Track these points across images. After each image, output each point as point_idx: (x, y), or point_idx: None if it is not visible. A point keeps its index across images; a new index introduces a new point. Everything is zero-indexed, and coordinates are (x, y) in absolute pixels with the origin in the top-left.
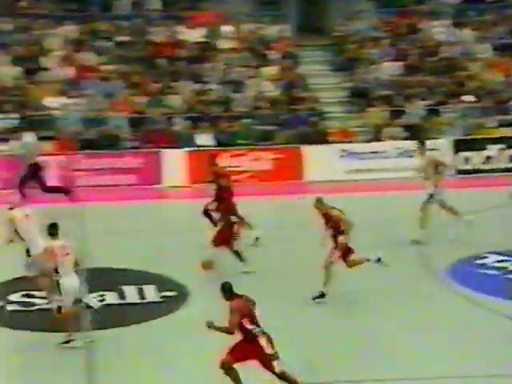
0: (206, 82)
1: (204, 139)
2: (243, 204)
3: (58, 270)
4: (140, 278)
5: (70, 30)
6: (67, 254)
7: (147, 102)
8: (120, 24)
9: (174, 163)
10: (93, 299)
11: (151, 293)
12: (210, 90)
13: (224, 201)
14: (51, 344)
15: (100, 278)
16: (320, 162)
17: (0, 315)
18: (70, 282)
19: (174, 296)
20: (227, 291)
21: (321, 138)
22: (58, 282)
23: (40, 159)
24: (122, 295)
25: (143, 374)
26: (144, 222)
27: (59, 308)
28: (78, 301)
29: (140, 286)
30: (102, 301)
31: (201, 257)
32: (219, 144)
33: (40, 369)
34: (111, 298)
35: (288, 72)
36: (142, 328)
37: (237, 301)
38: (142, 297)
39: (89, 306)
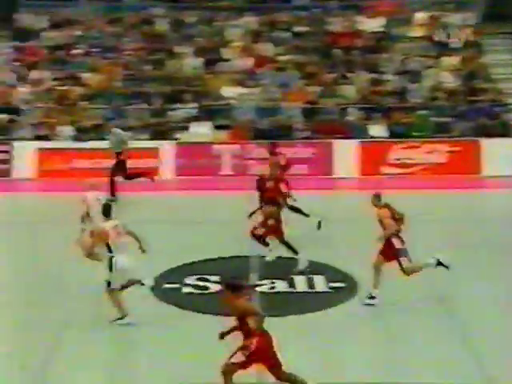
0: (381, 73)
1: (377, 130)
2: (413, 197)
3: (111, 249)
4: (310, 268)
5: (250, 21)
6: (119, 233)
7: (321, 92)
8: (299, 14)
9: (346, 154)
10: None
11: (320, 283)
12: (386, 80)
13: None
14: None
15: (272, 267)
16: (500, 155)
17: (176, 297)
18: (122, 261)
19: (343, 287)
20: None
21: (502, 131)
22: (110, 260)
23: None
24: (291, 284)
25: (312, 359)
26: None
27: (108, 283)
28: (130, 280)
29: (310, 276)
30: (272, 288)
31: (368, 248)
32: (392, 135)
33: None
34: (281, 286)
35: (470, 62)
36: (309, 317)
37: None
38: (311, 286)
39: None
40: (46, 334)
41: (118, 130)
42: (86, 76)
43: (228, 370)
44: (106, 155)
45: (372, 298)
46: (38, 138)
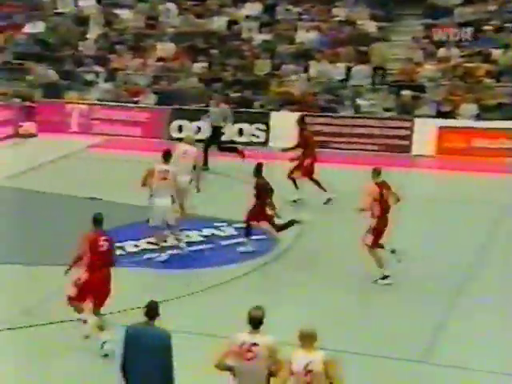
0: None
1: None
2: None
3: (153, 190)
4: None
5: None
6: (165, 178)
7: None
8: None
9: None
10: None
11: None
12: None
13: None
14: None
15: None
16: None
17: None
18: (161, 203)
19: None
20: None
21: None
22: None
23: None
24: None
25: None
26: None
27: (148, 220)
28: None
29: None
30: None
31: None
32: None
33: None
34: None
35: None
36: None
37: None
38: None
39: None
40: None
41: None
42: (496, 53)
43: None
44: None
45: (385, 277)
46: (440, 115)
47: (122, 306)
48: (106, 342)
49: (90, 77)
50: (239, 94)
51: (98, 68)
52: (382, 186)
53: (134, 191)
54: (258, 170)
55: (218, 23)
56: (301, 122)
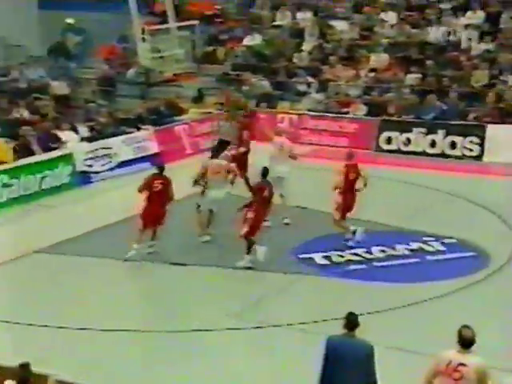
0: None
1: None
2: None
3: (208, 182)
4: None
5: None
6: (218, 172)
7: None
8: None
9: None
10: None
11: None
12: None
13: None
14: None
15: None
16: None
17: None
18: (214, 194)
19: None
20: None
21: None
22: (204, 191)
23: None
24: None
25: None
26: None
27: (198, 205)
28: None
29: None
30: None
31: None
32: None
33: None
34: None
35: None
36: None
37: None
38: None
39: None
40: None
41: None
42: None
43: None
44: None
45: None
46: None
47: (323, 315)
48: None
49: (302, 87)
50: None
51: (310, 79)
52: (351, 167)
53: None
54: (264, 173)
55: (435, 33)
56: None
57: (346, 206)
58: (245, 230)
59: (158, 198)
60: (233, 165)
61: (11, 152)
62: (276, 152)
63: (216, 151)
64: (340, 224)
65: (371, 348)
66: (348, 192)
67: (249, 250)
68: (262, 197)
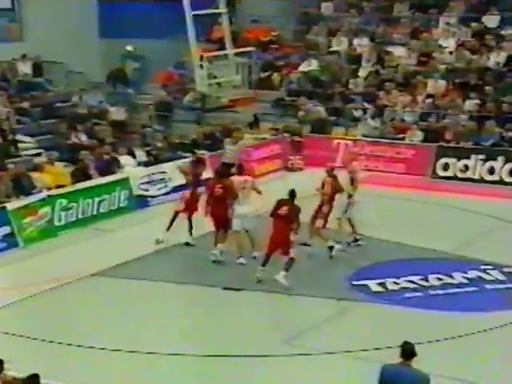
0: None
1: None
2: None
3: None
4: None
5: None
6: (244, 188)
7: None
8: None
9: None
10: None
11: None
12: None
13: None
14: None
15: None
16: None
17: None
18: (241, 210)
19: None
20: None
21: None
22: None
23: None
24: None
25: None
26: None
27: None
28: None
29: None
30: None
31: None
32: None
33: None
34: None
35: None
36: None
37: None
38: None
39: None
40: None
41: None
42: None
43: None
44: None
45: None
46: None
47: (377, 343)
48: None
49: (357, 113)
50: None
51: (366, 104)
52: (331, 180)
53: (396, 228)
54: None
55: (495, 59)
56: None
57: (328, 216)
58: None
59: (218, 201)
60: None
61: (69, 176)
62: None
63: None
64: (320, 233)
65: (428, 379)
66: (330, 203)
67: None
68: (277, 214)
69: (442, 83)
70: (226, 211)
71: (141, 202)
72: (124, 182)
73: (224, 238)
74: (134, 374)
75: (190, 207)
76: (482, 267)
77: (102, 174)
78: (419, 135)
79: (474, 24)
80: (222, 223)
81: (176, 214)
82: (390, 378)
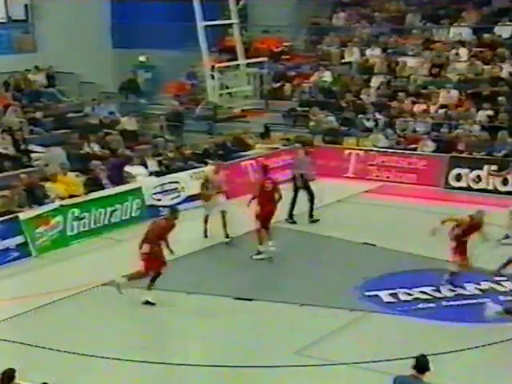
0: None
1: None
2: None
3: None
4: None
5: None
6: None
7: None
8: None
9: None
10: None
11: None
12: None
13: None
14: None
15: None
16: None
17: None
18: None
19: None
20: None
21: None
22: None
23: None
24: None
25: None
26: None
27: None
28: None
29: None
30: None
31: None
32: None
33: None
34: None
35: None
36: None
37: None
38: None
39: None
40: None
41: None
42: None
43: None
44: None
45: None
46: None
47: (388, 354)
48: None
49: (369, 124)
50: None
51: (378, 115)
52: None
53: (408, 239)
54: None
55: (508, 69)
56: None
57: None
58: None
59: (270, 196)
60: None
61: (82, 186)
62: None
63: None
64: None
65: None
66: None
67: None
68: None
69: (455, 93)
70: (275, 207)
71: (153, 211)
72: (136, 192)
73: (271, 235)
74: None
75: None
76: (495, 278)
77: (115, 183)
78: (431, 146)
79: (486, 35)
80: (270, 219)
81: None
82: None
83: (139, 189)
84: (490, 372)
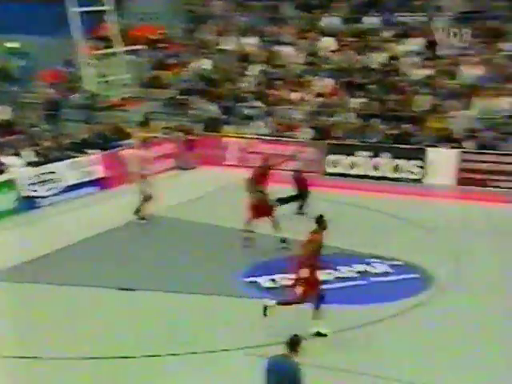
0: None
1: None
2: None
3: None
4: None
5: None
6: None
7: None
8: None
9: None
10: None
11: None
12: None
13: None
14: None
15: None
16: None
17: None
18: None
19: None
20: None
21: None
22: None
23: None
24: None
25: None
26: None
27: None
28: None
29: None
30: None
31: None
32: None
33: None
34: None
35: None
36: None
37: None
38: None
39: None
40: None
41: None
42: None
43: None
44: None
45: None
46: None
47: (266, 338)
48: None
49: (248, 112)
50: (397, 130)
51: (256, 103)
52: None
53: (288, 225)
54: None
55: (378, 59)
56: None
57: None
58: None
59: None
60: None
61: None
62: None
63: None
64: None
65: (296, 368)
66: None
67: None
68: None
69: (330, 82)
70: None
71: (30, 203)
72: (10, 184)
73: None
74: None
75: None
76: (368, 261)
77: None
78: (309, 133)
79: (356, 25)
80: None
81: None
82: (270, 368)
83: (13, 180)
84: (360, 350)
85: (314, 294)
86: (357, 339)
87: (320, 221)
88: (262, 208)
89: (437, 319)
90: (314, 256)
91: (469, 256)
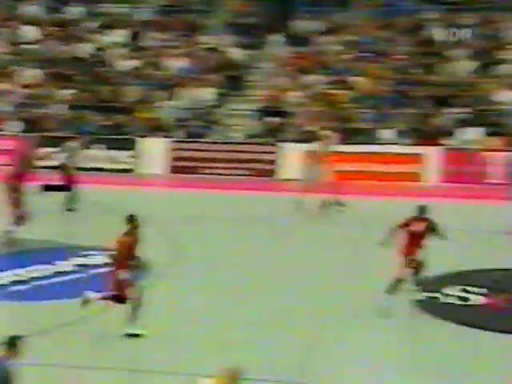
0: None
1: None
2: None
3: None
4: None
5: None
6: None
7: None
8: None
9: None
10: None
11: None
12: None
13: None
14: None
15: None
16: None
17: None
18: None
19: None
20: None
21: None
22: None
23: None
24: None
25: None
26: None
27: None
28: None
29: None
30: None
31: None
32: None
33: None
34: None
35: None
36: None
37: None
38: None
39: None
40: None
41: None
42: (355, 80)
43: None
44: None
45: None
46: (304, 140)
47: None
48: None
49: None
50: (108, 121)
51: None
52: None
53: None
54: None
55: (85, 49)
56: None
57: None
58: None
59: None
60: None
61: None
62: None
63: None
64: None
65: (7, 371)
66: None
67: None
68: None
69: (38, 73)
70: None
71: None
72: None
73: None
74: None
75: None
76: (85, 253)
77: None
78: (18, 126)
79: (59, 15)
80: None
81: None
82: None
83: None
84: (87, 344)
85: (124, 295)
86: (82, 333)
87: (131, 220)
88: None
89: (156, 305)
90: (125, 257)
91: (185, 243)
